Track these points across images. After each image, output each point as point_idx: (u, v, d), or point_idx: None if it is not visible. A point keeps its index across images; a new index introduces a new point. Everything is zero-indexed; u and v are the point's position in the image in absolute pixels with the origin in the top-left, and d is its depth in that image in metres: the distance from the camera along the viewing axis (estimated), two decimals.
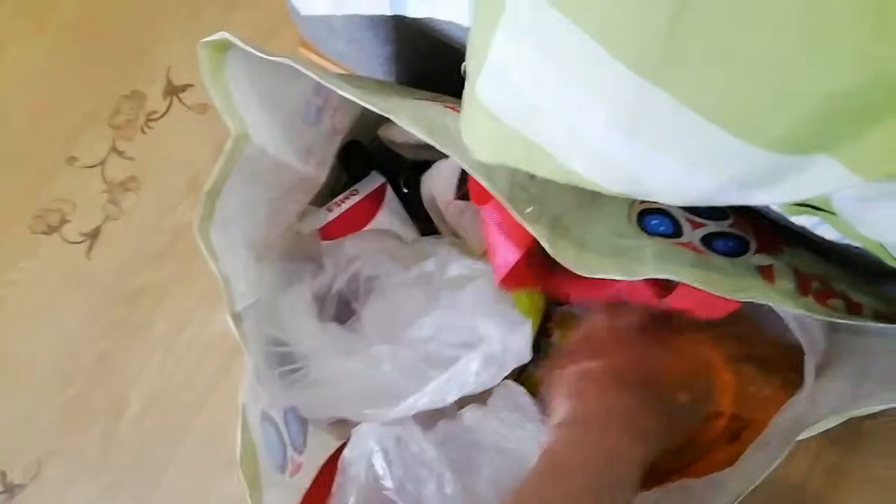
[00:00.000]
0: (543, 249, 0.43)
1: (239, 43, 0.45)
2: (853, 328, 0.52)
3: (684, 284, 0.44)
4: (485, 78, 0.34)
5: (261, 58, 0.45)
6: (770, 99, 0.27)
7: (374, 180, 0.71)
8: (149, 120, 0.97)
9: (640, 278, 0.45)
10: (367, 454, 0.54)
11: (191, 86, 0.98)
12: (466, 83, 0.36)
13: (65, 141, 0.97)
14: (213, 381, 0.92)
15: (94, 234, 0.95)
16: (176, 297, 0.93)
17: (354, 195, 0.70)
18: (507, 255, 0.47)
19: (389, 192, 0.70)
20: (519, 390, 0.58)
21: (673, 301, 0.45)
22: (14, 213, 0.96)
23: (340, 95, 0.44)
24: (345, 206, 0.70)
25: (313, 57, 0.81)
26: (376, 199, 0.71)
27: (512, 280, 0.48)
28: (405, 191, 0.72)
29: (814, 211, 0.35)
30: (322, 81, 0.45)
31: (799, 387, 0.51)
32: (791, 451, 0.83)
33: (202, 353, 0.93)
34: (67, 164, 0.97)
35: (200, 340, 0.93)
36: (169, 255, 0.94)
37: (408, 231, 0.70)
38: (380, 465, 0.53)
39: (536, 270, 0.51)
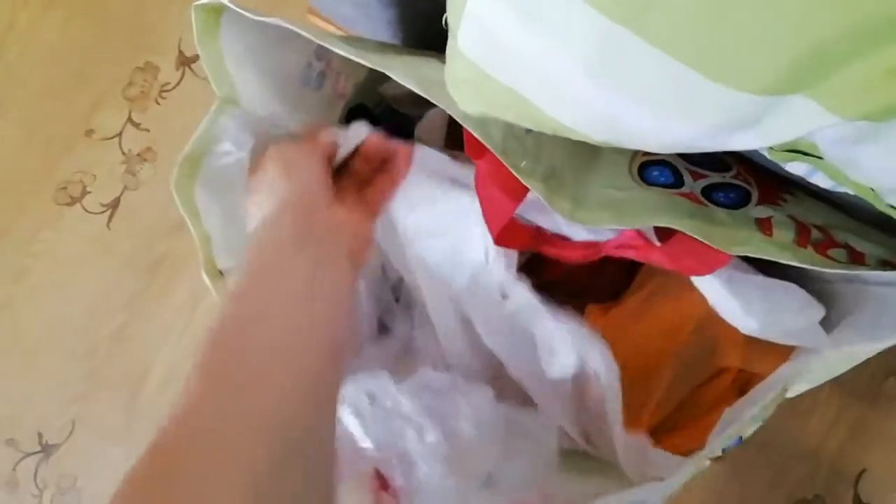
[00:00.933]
0: None
1: (232, 6, 0.45)
2: (865, 278, 0.51)
3: (678, 238, 0.44)
4: (465, 29, 0.33)
5: (256, 21, 0.45)
6: (745, 41, 0.26)
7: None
8: (162, 91, 0.99)
9: (636, 227, 0.45)
10: (340, 417, 0.53)
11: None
12: (449, 34, 0.36)
13: (82, 114, 0.99)
14: None
15: (114, 205, 0.97)
16: (194, 266, 0.95)
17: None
18: (502, 208, 0.47)
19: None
20: None
21: (664, 255, 0.45)
22: (36, 186, 0.98)
23: (343, 59, 0.44)
24: None
25: (321, 23, 0.80)
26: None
27: (506, 235, 0.48)
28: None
29: (803, 157, 0.34)
30: (316, 40, 0.45)
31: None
32: (813, 407, 0.83)
33: None
34: (86, 137, 0.98)
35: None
36: (186, 224, 0.96)
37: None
38: (354, 426, 0.52)
39: (529, 233, 0.51)
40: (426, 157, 0.54)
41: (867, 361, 0.89)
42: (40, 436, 0.94)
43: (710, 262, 0.44)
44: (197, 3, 0.46)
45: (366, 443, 0.50)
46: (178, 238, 0.96)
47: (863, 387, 0.84)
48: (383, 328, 0.68)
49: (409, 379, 0.52)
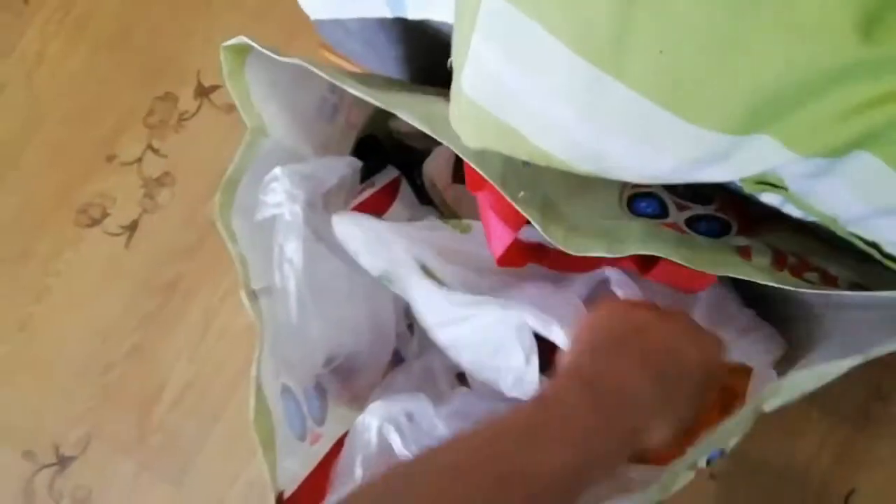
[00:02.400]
0: None
1: (256, 46, 0.49)
2: (838, 304, 0.54)
3: (665, 262, 0.48)
4: (467, 72, 0.38)
5: (276, 60, 0.50)
6: (710, 87, 0.31)
7: (389, 173, 0.75)
8: (181, 119, 1.03)
9: (625, 255, 0.49)
10: (379, 425, 0.58)
11: (219, 87, 1.03)
12: (454, 76, 0.40)
13: (104, 140, 1.04)
14: (243, 370, 0.98)
15: (132, 227, 1.02)
16: (207, 287, 0.99)
17: (370, 187, 0.75)
18: (503, 236, 0.51)
19: (404, 184, 0.75)
20: None
21: (655, 275, 0.49)
22: (59, 207, 1.03)
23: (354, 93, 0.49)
24: (361, 198, 0.75)
25: (332, 58, 0.85)
26: (391, 190, 0.75)
27: (507, 258, 0.52)
28: (419, 182, 0.76)
29: (772, 188, 0.38)
30: (330, 79, 0.50)
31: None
32: (804, 428, 0.86)
33: (232, 342, 0.99)
34: (107, 162, 1.03)
35: (230, 330, 0.99)
36: (201, 247, 1.00)
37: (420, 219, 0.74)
38: (393, 437, 0.57)
39: (530, 250, 0.54)
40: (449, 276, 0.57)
41: (855, 384, 0.92)
42: (56, 448, 0.98)
43: (694, 283, 0.48)
44: (225, 43, 0.51)
45: (400, 456, 0.54)
46: (192, 260, 1.00)
47: (851, 409, 0.87)
48: (397, 356, 0.72)
49: (446, 404, 0.56)
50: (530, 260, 0.55)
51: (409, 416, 0.59)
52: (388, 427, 0.57)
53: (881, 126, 0.30)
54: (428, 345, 0.67)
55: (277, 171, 0.56)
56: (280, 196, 0.56)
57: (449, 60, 0.40)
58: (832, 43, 0.27)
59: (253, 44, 0.49)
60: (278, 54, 0.49)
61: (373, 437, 0.57)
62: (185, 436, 0.96)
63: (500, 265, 0.53)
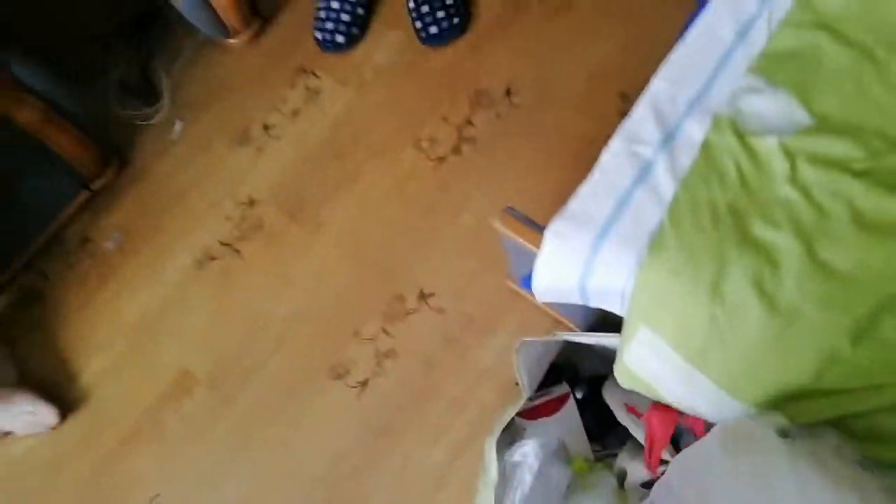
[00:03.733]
0: None
1: (528, 339, 0.94)
2: None
3: None
4: (627, 353, 0.81)
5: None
6: (751, 384, 0.72)
7: (562, 388, 1.16)
8: (406, 314, 1.50)
9: None
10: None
11: (433, 294, 1.50)
12: (620, 345, 0.83)
13: (350, 322, 1.52)
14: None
15: (363, 384, 1.47)
16: (409, 438, 1.41)
17: (547, 395, 1.17)
18: (657, 449, 0.91)
19: (570, 398, 1.15)
20: None
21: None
22: (315, 367, 1.50)
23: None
24: (539, 401, 1.16)
25: (521, 292, 1.32)
26: (560, 401, 1.16)
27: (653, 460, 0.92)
28: (578, 396, 1.17)
29: None
30: (567, 338, 0.94)
31: None
32: None
33: (431, 480, 1.37)
34: (354, 336, 1.50)
35: (427, 468, 1.38)
36: (407, 410, 1.43)
37: (577, 428, 1.14)
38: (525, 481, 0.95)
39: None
40: None
41: None
42: None
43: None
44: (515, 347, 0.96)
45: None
46: (403, 414, 1.42)
47: None
48: None
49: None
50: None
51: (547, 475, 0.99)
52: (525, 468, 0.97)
53: None
54: None
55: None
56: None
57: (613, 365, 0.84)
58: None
59: (526, 339, 0.95)
60: (542, 337, 0.94)
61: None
62: None
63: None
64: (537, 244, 0.96)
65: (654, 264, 0.83)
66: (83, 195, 1.69)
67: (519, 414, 1.11)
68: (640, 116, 0.98)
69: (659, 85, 1.00)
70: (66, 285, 1.65)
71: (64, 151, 1.56)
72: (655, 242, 0.84)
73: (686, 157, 0.92)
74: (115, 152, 1.72)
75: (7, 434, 1.48)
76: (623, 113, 1.02)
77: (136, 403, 1.53)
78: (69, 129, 1.55)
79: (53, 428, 1.49)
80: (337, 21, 1.75)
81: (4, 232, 1.66)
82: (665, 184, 0.90)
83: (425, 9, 1.71)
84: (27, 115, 1.44)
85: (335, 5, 1.75)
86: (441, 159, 1.62)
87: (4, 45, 1.40)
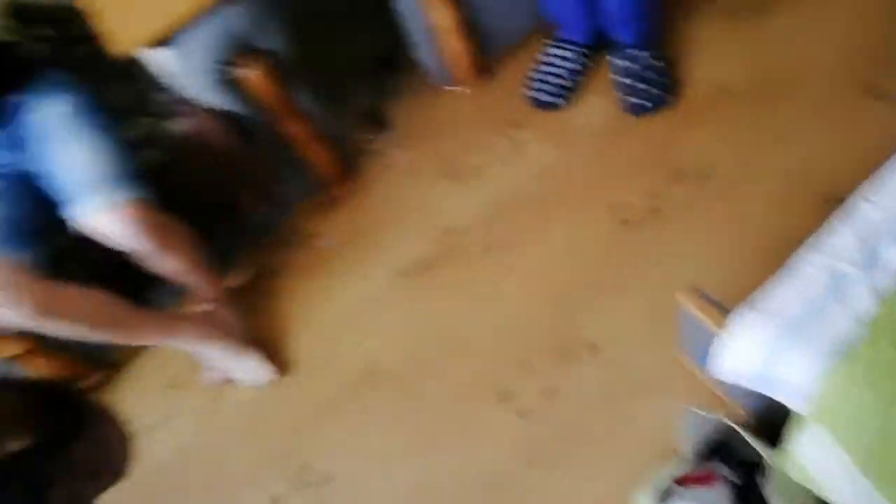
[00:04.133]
0: None
1: (698, 411, 1.05)
2: None
3: None
4: (797, 446, 0.89)
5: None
6: None
7: (721, 469, 1.25)
8: (574, 359, 1.62)
9: None
10: None
11: (602, 347, 1.63)
12: (786, 438, 0.92)
13: (522, 354, 1.66)
14: None
15: (525, 412, 1.61)
16: (563, 472, 1.53)
17: (701, 467, 1.26)
18: None
19: (722, 479, 1.24)
20: None
21: None
22: (486, 384, 1.64)
23: None
24: (692, 471, 1.26)
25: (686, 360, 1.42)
26: (709, 475, 1.25)
27: None
28: (737, 482, 1.25)
29: None
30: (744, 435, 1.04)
31: None
32: None
33: None
34: (523, 367, 1.64)
35: None
36: (565, 448, 1.55)
37: None
38: None
39: None
40: None
41: None
42: None
43: None
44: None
45: None
46: (556, 450, 1.55)
47: None
48: None
49: None
50: None
51: None
52: None
53: None
54: None
55: None
56: None
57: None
58: None
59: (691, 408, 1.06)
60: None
61: None
62: None
63: None
64: (719, 325, 1.07)
65: (848, 372, 0.91)
66: (319, 198, 1.98)
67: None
68: (841, 234, 1.07)
69: (864, 206, 1.08)
70: (291, 269, 1.93)
71: (314, 162, 1.86)
72: (850, 353, 0.93)
73: (888, 279, 0.99)
74: (347, 169, 2.01)
75: (230, 381, 1.77)
76: (822, 217, 1.10)
77: (331, 382, 1.74)
78: (321, 145, 1.84)
79: (267, 384, 1.75)
80: (550, 84, 1.94)
81: (260, 217, 1.97)
82: (863, 300, 0.98)
83: (628, 80, 1.87)
84: (295, 129, 1.75)
85: (551, 69, 1.94)
86: (631, 224, 1.75)
87: (294, 76, 1.70)
